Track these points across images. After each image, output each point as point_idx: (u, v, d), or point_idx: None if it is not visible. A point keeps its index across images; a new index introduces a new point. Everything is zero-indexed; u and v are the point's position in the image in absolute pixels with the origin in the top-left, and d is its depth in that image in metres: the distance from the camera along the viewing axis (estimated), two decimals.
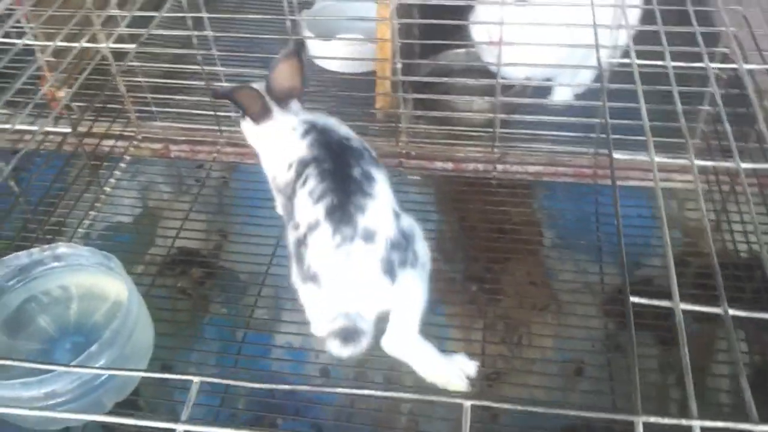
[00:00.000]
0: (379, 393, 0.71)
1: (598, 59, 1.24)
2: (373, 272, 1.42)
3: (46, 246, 1.52)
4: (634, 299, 0.78)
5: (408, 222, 1.53)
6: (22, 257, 1.51)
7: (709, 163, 1.13)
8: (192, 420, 0.72)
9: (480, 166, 2.03)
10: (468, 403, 0.69)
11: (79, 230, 1.94)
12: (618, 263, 1.86)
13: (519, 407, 0.67)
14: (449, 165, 2.04)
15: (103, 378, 1.32)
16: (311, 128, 1.57)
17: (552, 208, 2.06)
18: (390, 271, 1.43)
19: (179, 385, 1.65)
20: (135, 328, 1.38)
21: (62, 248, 1.52)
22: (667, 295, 1.76)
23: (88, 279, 1.56)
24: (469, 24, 1.83)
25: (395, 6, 1.71)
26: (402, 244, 1.46)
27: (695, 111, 1.87)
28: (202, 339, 1.76)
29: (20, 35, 1.72)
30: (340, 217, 1.41)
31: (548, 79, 2.06)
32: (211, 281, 1.91)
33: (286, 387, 0.72)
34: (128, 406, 1.51)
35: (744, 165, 1.04)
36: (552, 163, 1.99)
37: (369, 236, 1.41)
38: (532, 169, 2.00)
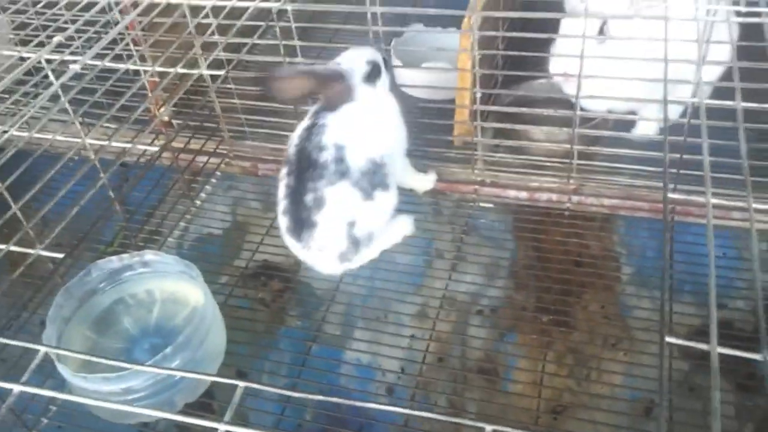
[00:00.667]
0: (395, 408, 0.74)
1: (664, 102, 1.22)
2: None
3: (135, 252, 1.64)
4: (669, 339, 0.78)
5: None
6: (114, 261, 1.64)
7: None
8: (235, 422, 0.77)
9: (554, 197, 2.01)
10: (489, 428, 0.72)
11: (170, 239, 2.08)
12: (699, 303, 1.81)
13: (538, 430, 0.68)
14: (523, 194, 2.04)
15: (176, 378, 1.42)
16: None
17: (630, 242, 2.02)
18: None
19: (251, 392, 1.72)
20: (208, 334, 1.47)
21: (149, 255, 1.64)
22: (749, 339, 1.70)
23: (172, 285, 1.67)
24: (549, 56, 1.84)
25: (476, 37, 1.74)
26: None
27: None
28: (276, 349, 1.84)
29: (130, 57, 1.88)
30: None
31: (632, 113, 2.03)
32: (289, 294, 1.99)
33: (319, 397, 0.76)
34: (199, 407, 1.60)
35: None
36: (629, 197, 1.95)
37: None
38: (607, 202, 1.97)
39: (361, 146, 1.69)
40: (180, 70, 1.48)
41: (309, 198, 1.66)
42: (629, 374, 1.70)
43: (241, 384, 0.78)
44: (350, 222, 1.69)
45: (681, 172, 1.77)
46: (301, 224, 1.69)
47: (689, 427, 1.54)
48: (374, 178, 1.69)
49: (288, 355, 1.82)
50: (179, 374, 1.27)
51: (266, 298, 1.98)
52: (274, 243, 2.05)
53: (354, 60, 1.79)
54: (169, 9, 1.64)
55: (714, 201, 1.01)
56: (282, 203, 1.73)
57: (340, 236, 1.69)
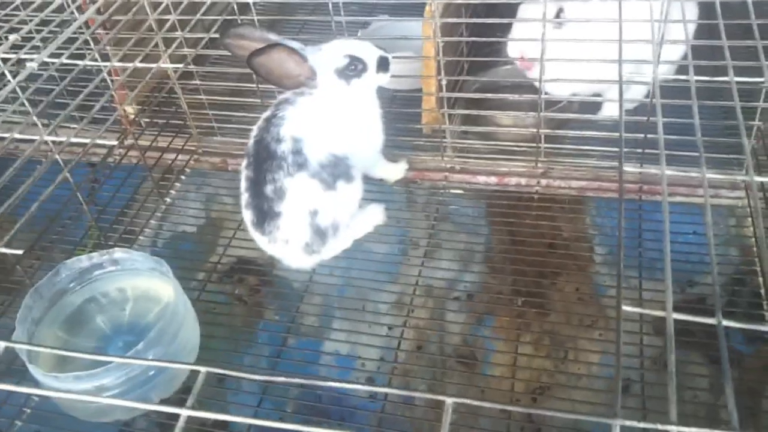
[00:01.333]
0: (359, 387, 0.74)
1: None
2: None
3: (104, 251, 1.63)
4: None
5: None
6: (83, 261, 1.63)
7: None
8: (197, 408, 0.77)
9: (523, 181, 2.03)
10: (450, 401, 0.72)
11: (143, 238, 2.06)
12: (672, 281, 1.82)
13: (498, 406, 0.69)
14: (493, 179, 2.05)
15: (149, 374, 1.41)
16: None
17: (602, 223, 2.04)
18: None
19: (232, 386, 1.72)
20: (180, 329, 1.47)
21: (119, 253, 1.63)
22: (724, 314, 1.72)
23: (144, 282, 1.66)
24: (506, 41, 1.85)
25: (438, 24, 1.74)
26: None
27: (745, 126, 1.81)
28: (254, 343, 1.83)
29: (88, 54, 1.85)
30: None
31: (597, 95, 2.04)
32: (266, 289, 1.98)
33: (283, 379, 0.76)
34: (177, 402, 1.58)
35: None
36: (596, 179, 1.97)
37: None
38: (575, 184, 1.99)
39: (319, 139, 1.68)
40: (138, 64, 1.46)
41: (269, 189, 1.65)
42: (606, 353, 1.71)
43: (203, 369, 0.77)
44: (312, 212, 1.68)
45: (646, 151, 1.79)
46: (264, 216, 1.68)
47: (665, 401, 1.55)
48: (336, 170, 1.69)
49: (266, 348, 1.81)
50: (148, 363, 1.25)
51: (243, 294, 1.97)
52: (249, 238, 2.05)
53: (334, 50, 1.73)
54: (128, 4, 1.62)
55: (669, 173, 1.01)
56: (244, 196, 1.72)
57: (303, 227, 1.69)
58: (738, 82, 1.20)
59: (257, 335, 1.85)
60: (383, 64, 1.76)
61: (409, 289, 1.88)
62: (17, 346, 0.79)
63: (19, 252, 1.02)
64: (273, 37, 1.68)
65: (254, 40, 1.67)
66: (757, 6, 1.40)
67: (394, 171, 2.02)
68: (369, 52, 1.75)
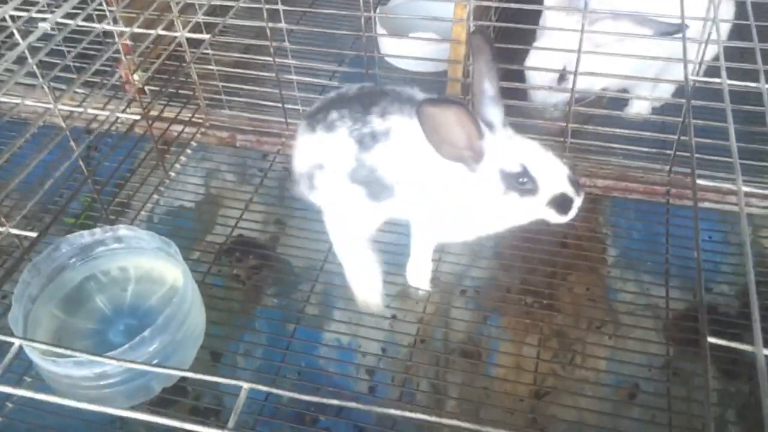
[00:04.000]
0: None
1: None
2: None
3: (108, 227, 1.55)
4: (712, 340, 0.73)
5: None
6: (85, 236, 1.55)
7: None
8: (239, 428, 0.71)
9: None
10: (246, 385, 0.68)
11: (143, 213, 1.99)
12: (685, 287, 1.79)
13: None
14: None
15: (154, 362, 1.34)
16: None
17: (619, 224, 1.99)
18: None
19: (227, 374, 1.66)
20: (188, 315, 1.40)
21: (123, 230, 1.56)
22: (735, 325, 1.68)
23: (148, 262, 1.59)
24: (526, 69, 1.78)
25: (472, 7, 1.67)
26: None
27: None
28: (252, 329, 1.77)
29: (101, 19, 1.76)
30: None
31: (625, 91, 1.98)
32: (265, 271, 1.92)
33: (334, 401, 0.70)
34: (176, 391, 1.53)
35: None
36: (623, 178, 1.91)
37: None
38: (601, 183, 1.93)
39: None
40: (160, 31, 1.37)
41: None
42: (613, 359, 1.68)
43: (246, 385, 0.71)
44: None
45: (677, 153, 1.74)
46: None
47: (673, 414, 1.53)
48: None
49: (264, 335, 1.76)
50: (155, 370, 1.19)
51: (241, 275, 1.91)
52: (251, 218, 1.98)
53: (513, 146, 1.46)
54: None
55: (701, 183, 0.95)
56: None
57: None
58: None
59: (254, 320, 1.80)
60: (563, 205, 1.47)
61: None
62: (26, 343, 0.72)
63: (34, 234, 0.94)
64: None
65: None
66: None
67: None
68: (552, 176, 1.45)
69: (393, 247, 1.86)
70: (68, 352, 0.89)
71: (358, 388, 1.67)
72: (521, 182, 1.43)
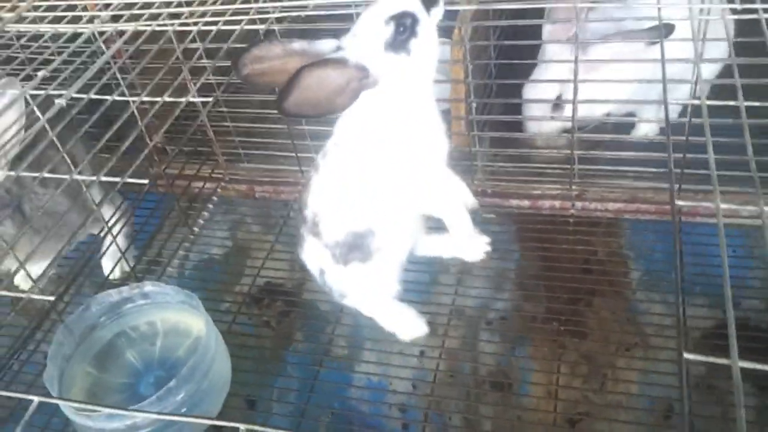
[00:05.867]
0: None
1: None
2: None
3: (135, 284, 1.61)
4: (688, 356, 0.74)
5: None
6: (113, 295, 1.61)
7: None
8: None
9: (557, 204, 1.99)
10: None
11: (173, 268, 2.05)
12: (712, 305, 1.77)
13: None
14: (525, 203, 2.01)
15: (182, 411, 1.38)
16: None
17: (638, 245, 1.99)
18: None
19: (262, 420, 1.69)
20: (212, 364, 1.44)
21: (149, 286, 1.61)
22: (763, 339, 1.65)
23: (174, 316, 1.64)
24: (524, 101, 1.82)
25: (468, 48, 1.71)
26: None
27: None
28: (283, 374, 1.80)
29: (118, 85, 1.85)
30: None
31: (631, 115, 2.00)
32: (294, 315, 1.95)
33: None
34: None
35: None
36: (633, 200, 1.92)
37: None
38: (612, 206, 1.94)
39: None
40: (167, 98, 1.43)
41: None
42: (645, 381, 1.66)
43: (243, 427, 0.73)
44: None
45: (685, 171, 1.74)
46: None
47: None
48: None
49: (296, 380, 1.78)
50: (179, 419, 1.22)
51: (271, 321, 1.94)
52: (276, 266, 2.02)
53: (369, 24, 1.40)
54: (155, 35, 1.60)
55: (724, 206, 0.96)
56: None
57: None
58: None
59: (286, 365, 1.82)
60: None
61: (440, 317, 1.85)
62: (43, 400, 0.75)
63: (51, 298, 0.99)
64: (297, 45, 1.39)
65: (276, 57, 1.39)
66: None
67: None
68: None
69: (415, 285, 1.88)
70: (97, 408, 0.92)
71: (391, 426, 1.68)
72: (403, 28, 1.37)
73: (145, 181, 1.13)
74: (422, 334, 1.77)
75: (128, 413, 1.24)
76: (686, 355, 0.75)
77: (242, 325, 1.89)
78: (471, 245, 1.81)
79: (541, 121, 1.92)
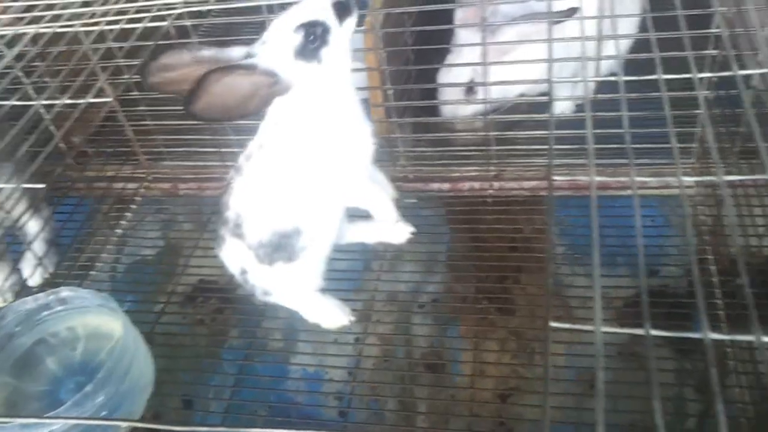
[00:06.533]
0: None
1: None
2: None
3: (50, 290, 1.58)
4: (553, 324, 0.77)
5: None
6: (29, 302, 1.58)
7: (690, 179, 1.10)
8: None
9: (476, 185, 2.02)
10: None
11: (99, 273, 2.01)
12: (630, 274, 1.82)
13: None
14: (446, 185, 2.03)
15: (102, 414, 1.36)
16: None
17: (560, 221, 2.03)
18: None
19: (200, 420, 1.69)
20: (131, 366, 1.42)
21: (65, 292, 1.59)
22: (684, 305, 1.71)
23: (94, 320, 1.62)
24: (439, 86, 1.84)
25: (381, 35, 1.72)
26: None
27: (693, 115, 1.81)
28: (220, 369, 1.79)
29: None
30: None
31: (545, 94, 2.04)
32: (228, 312, 1.94)
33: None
34: None
35: (726, 178, 1.02)
36: (548, 178, 1.95)
37: None
38: (527, 185, 1.98)
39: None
40: (66, 101, 1.40)
41: None
42: (572, 353, 1.70)
43: (203, 429, 0.73)
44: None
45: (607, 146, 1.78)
46: None
47: (632, 399, 1.54)
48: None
49: (232, 376, 1.77)
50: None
51: (205, 319, 1.93)
52: (209, 263, 2.01)
53: (279, 32, 1.40)
54: (60, 36, 1.57)
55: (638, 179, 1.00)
56: None
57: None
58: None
59: (221, 362, 1.82)
60: (342, 9, 1.41)
61: (375, 300, 1.87)
62: None
63: None
64: (207, 52, 1.38)
65: (185, 65, 1.37)
66: None
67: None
68: (319, 8, 1.40)
69: (348, 274, 1.89)
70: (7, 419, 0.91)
71: (328, 415, 1.68)
72: (313, 36, 1.38)
73: (43, 186, 1.10)
74: (346, 323, 1.78)
75: (44, 421, 1.22)
76: (552, 324, 0.77)
77: (176, 325, 1.88)
78: (395, 229, 1.83)
79: (456, 105, 1.94)
